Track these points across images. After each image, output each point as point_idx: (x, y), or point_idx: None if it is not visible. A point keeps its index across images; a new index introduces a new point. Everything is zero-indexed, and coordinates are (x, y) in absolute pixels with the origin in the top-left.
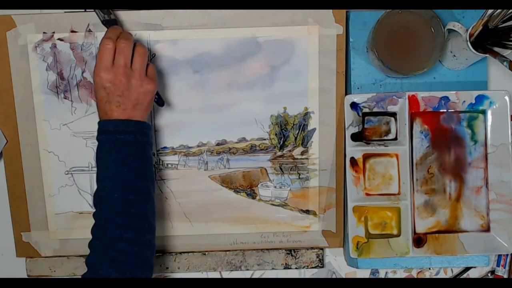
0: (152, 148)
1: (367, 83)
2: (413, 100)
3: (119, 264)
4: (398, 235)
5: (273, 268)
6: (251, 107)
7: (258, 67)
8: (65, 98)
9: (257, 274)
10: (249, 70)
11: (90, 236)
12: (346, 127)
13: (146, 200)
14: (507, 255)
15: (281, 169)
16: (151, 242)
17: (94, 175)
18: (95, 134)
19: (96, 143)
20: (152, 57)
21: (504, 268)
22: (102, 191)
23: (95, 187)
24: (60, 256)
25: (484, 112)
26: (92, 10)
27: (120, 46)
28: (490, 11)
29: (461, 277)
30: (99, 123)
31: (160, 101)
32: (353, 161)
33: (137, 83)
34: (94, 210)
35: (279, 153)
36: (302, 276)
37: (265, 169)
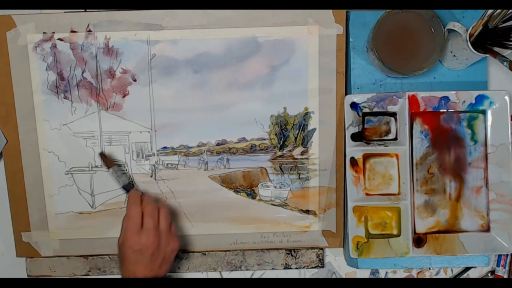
0: None
1: (367, 83)
2: (413, 100)
3: None
4: (398, 235)
5: (273, 268)
6: (251, 107)
7: (258, 67)
8: (65, 98)
9: (257, 274)
10: (249, 70)
11: (90, 236)
12: (346, 127)
13: None
14: (507, 255)
15: (281, 169)
16: None
17: (94, 175)
18: (95, 134)
19: (96, 142)
20: (152, 57)
21: (504, 268)
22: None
23: (95, 187)
24: (60, 256)
25: (484, 112)
26: (100, 134)
27: (148, 210)
28: (490, 11)
29: (461, 277)
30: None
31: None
32: (353, 161)
33: (165, 242)
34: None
35: (279, 153)
36: (302, 276)
37: (265, 169)
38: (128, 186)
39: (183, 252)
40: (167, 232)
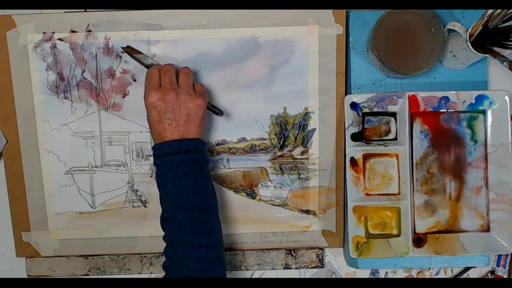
0: (208, 163)
1: (367, 83)
2: (413, 100)
3: None
4: (398, 235)
5: (273, 268)
6: (251, 107)
7: (258, 67)
8: (65, 98)
9: (257, 274)
10: (249, 70)
11: (90, 236)
12: (346, 127)
13: (211, 217)
14: (507, 255)
15: (281, 169)
16: (221, 258)
17: (94, 175)
18: (95, 134)
19: (96, 142)
20: (152, 57)
21: (504, 268)
22: (166, 213)
23: (95, 187)
24: (60, 256)
25: (484, 112)
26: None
27: (164, 69)
28: (490, 11)
29: (461, 277)
30: (153, 148)
31: (217, 110)
32: (353, 161)
33: (186, 98)
34: (163, 234)
35: (279, 153)
36: (302, 276)
37: (265, 169)
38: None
39: (218, 113)
40: (187, 88)
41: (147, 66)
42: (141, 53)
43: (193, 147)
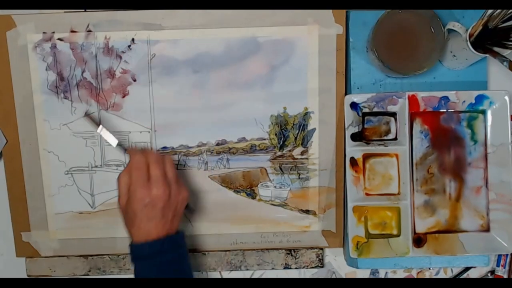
0: (188, 257)
1: (367, 83)
2: (413, 100)
3: None
4: (398, 235)
5: (273, 268)
6: (251, 107)
7: (258, 67)
8: (65, 98)
9: (257, 274)
10: (249, 70)
11: (90, 236)
12: (346, 127)
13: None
14: (507, 255)
15: (281, 169)
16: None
17: (94, 175)
18: (95, 134)
19: (96, 142)
20: (152, 57)
21: (504, 268)
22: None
23: (95, 187)
24: (60, 256)
25: (484, 112)
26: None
27: (153, 158)
28: (490, 11)
29: (461, 277)
30: (132, 246)
31: (191, 208)
32: (353, 161)
33: (175, 192)
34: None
35: (279, 153)
36: (302, 276)
37: (265, 169)
38: (123, 146)
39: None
40: (175, 181)
41: (120, 145)
42: (98, 125)
43: (173, 244)
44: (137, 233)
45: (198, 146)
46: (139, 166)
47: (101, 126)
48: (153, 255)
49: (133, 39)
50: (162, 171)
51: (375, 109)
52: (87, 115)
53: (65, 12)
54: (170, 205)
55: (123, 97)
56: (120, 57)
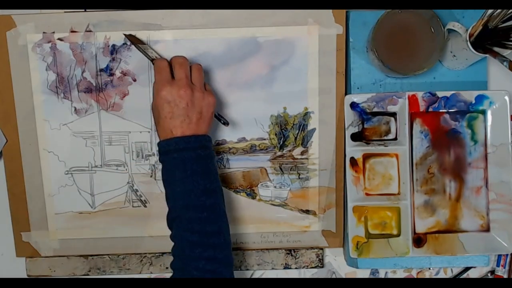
0: (215, 159)
1: (367, 83)
2: (413, 100)
3: None
4: (398, 235)
5: (273, 268)
6: (251, 107)
7: (258, 67)
8: (65, 98)
9: (257, 274)
10: (249, 70)
11: (90, 236)
12: (346, 127)
13: (218, 215)
14: (507, 255)
15: (281, 169)
16: (229, 257)
17: (94, 175)
18: (95, 134)
19: (96, 142)
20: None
21: (504, 268)
22: (174, 212)
23: (95, 187)
24: (60, 256)
25: (484, 112)
26: (126, 35)
27: (179, 61)
28: (490, 11)
29: (461, 277)
30: (159, 144)
31: (223, 120)
32: (353, 161)
33: (199, 95)
34: (170, 233)
35: (279, 153)
36: (302, 276)
37: (265, 169)
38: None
39: (220, 118)
40: (200, 85)
41: (151, 60)
42: (144, 43)
43: (200, 143)
44: (162, 130)
45: None
46: (162, 67)
47: (140, 46)
48: (178, 151)
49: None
50: (185, 74)
51: (375, 109)
52: (129, 35)
53: (65, 12)
54: (193, 106)
55: (123, 97)
56: (120, 57)
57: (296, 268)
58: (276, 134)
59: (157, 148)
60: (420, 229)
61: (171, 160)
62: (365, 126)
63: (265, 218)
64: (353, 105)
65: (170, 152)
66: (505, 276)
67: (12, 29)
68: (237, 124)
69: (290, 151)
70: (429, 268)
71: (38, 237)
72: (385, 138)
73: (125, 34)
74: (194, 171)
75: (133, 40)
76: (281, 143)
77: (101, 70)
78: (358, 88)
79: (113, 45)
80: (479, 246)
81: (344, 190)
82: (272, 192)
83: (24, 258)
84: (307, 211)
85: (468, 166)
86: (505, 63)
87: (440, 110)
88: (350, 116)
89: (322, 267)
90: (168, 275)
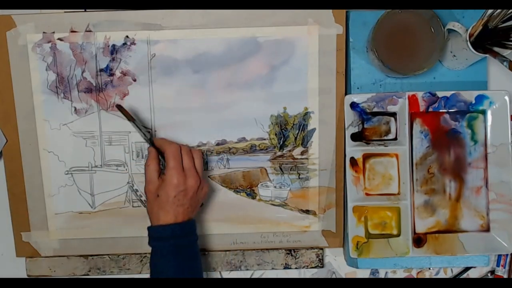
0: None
1: (367, 83)
2: (413, 100)
3: None
4: (398, 235)
5: (273, 268)
6: (251, 107)
7: (258, 67)
8: (65, 98)
9: (257, 274)
10: (249, 70)
11: (90, 236)
12: (346, 127)
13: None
14: (507, 255)
15: (281, 169)
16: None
17: (94, 175)
18: (95, 134)
19: (96, 142)
20: (152, 57)
21: (504, 268)
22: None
23: (95, 187)
24: (60, 256)
25: (484, 112)
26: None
27: (186, 150)
28: (490, 11)
29: (461, 277)
30: (153, 228)
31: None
32: (353, 161)
33: (202, 185)
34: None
35: (279, 153)
36: (302, 276)
37: (265, 169)
38: (148, 141)
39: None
40: (202, 174)
41: (150, 140)
42: (133, 118)
43: (191, 229)
44: (165, 215)
45: (198, 146)
46: (176, 155)
47: (134, 121)
48: (174, 237)
49: (133, 39)
50: (193, 163)
51: (375, 109)
52: (119, 106)
53: (65, 12)
54: (197, 195)
55: (123, 97)
56: (120, 57)
57: (296, 268)
58: (276, 134)
59: (149, 232)
60: (420, 229)
61: (165, 247)
62: (365, 126)
63: (265, 218)
64: (353, 105)
65: (166, 238)
66: (505, 276)
67: (12, 29)
68: (237, 124)
69: (290, 151)
70: (429, 268)
71: (38, 237)
72: (385, 138)
73: (117, 106)
74: (186, 258)
75: (126, 115)
76: (281, 143)
77: (101, 70)
78: (358, 88)
79: (113, 45)
80: (479, 246)
81: (344, 190)
82: (272, 192)
83: (24, 258)
84: (307, 211)
85: (468, 166)
86: (505, 63)
87: (440, 110)
88: (350, 116)
89: (322, 267)
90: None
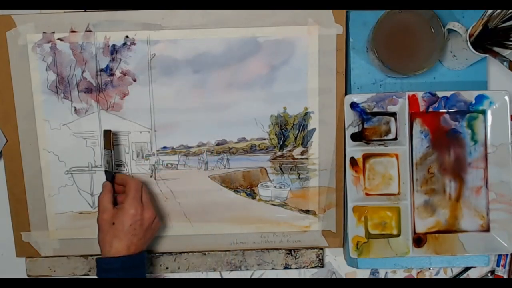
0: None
1: (367, 83)
2: (413, 100)
3: None
4: (398, 235)
5: (273, 268)
6: (251, 107)
7: (258, 67)
8: (65, 98)
9: (257, 274)
10: (249, 70)
11: (90, 236)
12: (346, 127)
13: None
14: (507, 255)
15: (281, 169)
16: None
17: (94, 175)
18: (95, 134)
19: (96, 142)
20: (152, 57)
21: (504, 268)
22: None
23: (95, 187)
24: (60, 256)
25: (484, 112)
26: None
27: (145, 187)
28: (490, 11)
29: (461, 277)
30: (102, 260)
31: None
32: (353, 161)
33: (157, 220)
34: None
35: (279, 153)
36: (302, 276)
37: (265, 169)
38: (109, 175)
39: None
40: (153, 207)
41: (112, 173)
42: (112, 148)
43: (142, 261)
44: (118, 243)
45: (198, 146)
46: (138, 189)
47: (110, 151)
48: (123, 269)
49: (133, 39)
50: (149, 197)
51: (375, 109)
52: (107, 130)
53: (65, 12)
54: (152, 228)
55: (123, 97)
56: (120, 57)
57: (296, 268)
58: (276, 134)
59: (98, 263)
60: (420, 229)
61: (112, 278)
62: (365, 126)
63: (265, 218)
64: (353, 105)
65: (115, 270)
66: (505, 276)
67: (12, 29)
68: (237, 124)
69: (290, 151)
70: (429, 268)
71: (38, 237)
72: (385, 138)
73: (105, 131)
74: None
75: (107, 141)
76: (281, 143)
77: (101, 70)
78: (358, 88)
79: (113, 45)
80: (479, 246)
81: (344, 190)
82: (272, 192)
83: (24, 258)
84: (307, 211)
85: (468, 166)
86: (505, 63)
87: (440, 110)
88: (350, 116)
89: (322, 267)
90: (168, 275)
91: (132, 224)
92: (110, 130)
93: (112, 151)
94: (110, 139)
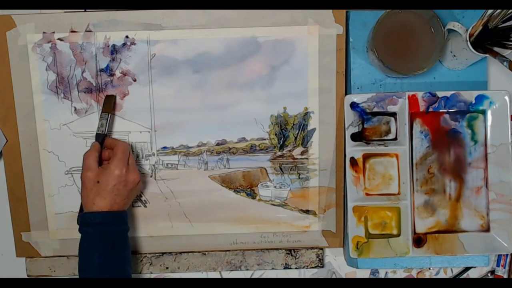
0: (128, 231)
1: (367, 83)
2: (413, 100)
3: None
4: (398, 235)
5: (273, 268)
6: (251, 107)
7: (258, 67)
8: (65, 98)
9: (257, 274)
10: (249, 70)
11: None
12: (346, 127)
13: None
14: (507, 255)
15: (281, 169)
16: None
17: None
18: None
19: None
20: (152, 57)
21: (504, 268)
22: (86, 274)
23: None
24: (60, 256)
25: (484, 112)
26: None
27: (128, 148)
28: (490, 11)
29: (461, 277)
30: (84, 215)
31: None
32: (353, 161)
33: (139, 180)
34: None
35: (279, 153)
36: (302, 276)
37: (265, 169)
38: (100, 137)
39: None
40: (138, 170)
41: (104, 134)
42: (113, 112)
43: (122, 219)
44: (101, 201)
45: (198, 146)
46: (126, 151)
47: (109, 114)
48: (103, 224)
49: (133, 39)
50: (134, 160)
51: (375, 109)
52: (110, 96)
53: (65, 12)
54: (135, 189)
55: (123, 97)
56: (120, 57)
57: (296, 268)
58: (276, 134)
59: (81, 217)
60: (420, 229)
61: (94, 233)
62: (365, 126)
63: (265, 218)
64: (353, 105)
65: (95, 224)
66: (505, 276)
67: (12, 29)
68: (237, 124)
69: (290, 151)
70: (429, 268)
71: (38, 237)
72: (385, 138)
73: (108, 96)
74: (115, 245)
75: (107, 104)
76: (281, 143)
77: (101, 70)
78: (358, 88)
79: (113, 45)
80: (479, 246)
81: (344, 190)
82: (272, 192)
83: (24, 258)
84: (307, 211)
85: (468, 166)
86: (505, 63)
87: (440, 110)
88: (350, 116)
89: (322, 267)
90: (168, 275)
91: (116, 185)
92: (114, 95)
93: (110, 115)
94: (111, 104)
